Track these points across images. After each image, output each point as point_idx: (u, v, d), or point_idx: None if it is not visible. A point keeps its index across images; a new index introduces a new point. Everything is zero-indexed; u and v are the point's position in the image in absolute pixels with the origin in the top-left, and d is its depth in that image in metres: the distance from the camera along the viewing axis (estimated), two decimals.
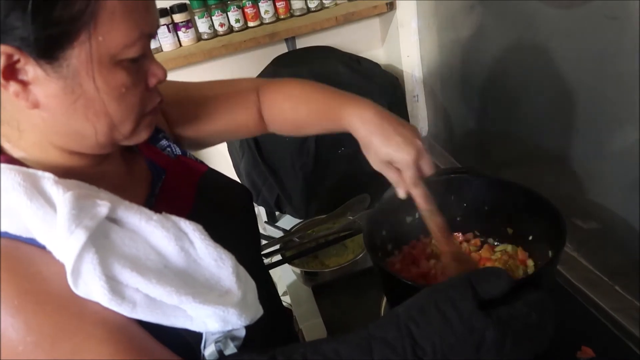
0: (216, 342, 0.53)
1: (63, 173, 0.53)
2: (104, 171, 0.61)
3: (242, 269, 0.56)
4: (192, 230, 0.54)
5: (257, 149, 1.32)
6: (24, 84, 0.49)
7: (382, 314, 0.99)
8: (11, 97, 0.50)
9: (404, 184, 0.73)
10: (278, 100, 0.85)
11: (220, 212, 0.71)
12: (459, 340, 0.48)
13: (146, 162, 0.70)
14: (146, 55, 0.56)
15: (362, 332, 0.51)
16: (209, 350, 0.53)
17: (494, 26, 1.17)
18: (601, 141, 0.92)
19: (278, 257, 1.26)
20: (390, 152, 0.70)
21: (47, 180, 0.49)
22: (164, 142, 0.73)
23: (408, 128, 0.72)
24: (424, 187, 0.73)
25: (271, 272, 1.22)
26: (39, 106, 0.51)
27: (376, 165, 0.74)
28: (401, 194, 0.74)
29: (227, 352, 0.54)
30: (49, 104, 0.51)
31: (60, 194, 0.48)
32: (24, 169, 0.50)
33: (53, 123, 0.53)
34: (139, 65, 0.55)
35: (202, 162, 0.77)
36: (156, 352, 0.51)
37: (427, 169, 0.72)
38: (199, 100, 0.82)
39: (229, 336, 0.54)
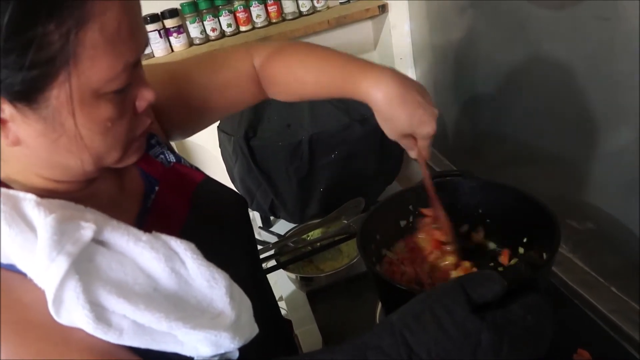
0: None
1: (49, 195, 0.51)
2: (93, 191, 0.59)
3: (236, 288, 0.54)
4: (183, 250, 0.52)
5: (251, 154, 1.31)
6: (3, 122, 0.46)
7: (377, 318, 0.98)
8: None
9: (417, 149, 0.76)
10: (281, 66, 0.78)
11: (215, 224, 0.69)
12: (455, 345, 0.48)
13: (139, 173, 0.67)
14: (133, 81, 0.52)
15: (357, 342, 0.50)
16: None
17: (486, 28, 1.17)
18: (595, 142, 0.92)
19: (273, 263, 1.25)
20: (414, 127, 0.70)
21: (29, 202, 0.47)
22: (157, 149, 0.70)
23: (427, 98, 0.71)
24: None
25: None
26: (20, 143, 0.48)
27: (393, 136, 0.74)
28: (413, 155, 0.77)
29: None
30: (30, 143, 0.48)
31: (41, 217, 0.46)
32: (5, 190, 0.48)
33: (36, 158, 0.51)
34: (125, 93, 0.52)
35: (197, 169, 0.74)
36: None
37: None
38: (190, 94, 0.78)
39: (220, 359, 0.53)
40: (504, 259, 0.91)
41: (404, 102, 0.68)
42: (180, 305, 0.50)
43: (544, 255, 0.81)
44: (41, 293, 0.45)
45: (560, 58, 0.94)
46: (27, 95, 0.45)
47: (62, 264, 0.44)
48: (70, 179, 0.55)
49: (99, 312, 0.46)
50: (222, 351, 0.51)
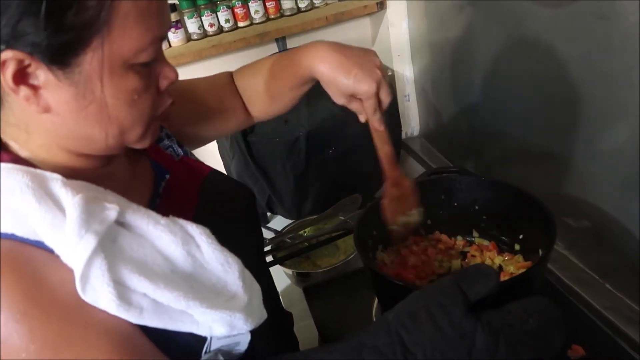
0: (207, 358, 0.53)
1: (70, 174, 0.52)
2: (109, 171, 0.61)
3: (247, 273, 0.55)
4: (199, 234, 0.53)
5: (248, 150, 1.31)
6: (35, 89, 0.49)
7: (374, 314, 0.99)
8: (21, 101, 0.49)
9: (365, 112, 0.77)
10: (247, 77, 0.88)
11: (223, 214, 0.70)
12: (450, 346, 0.48)
13: (150, 162, 0.69)
14: (157, 58, 0.55)
15: (353, 341, 0.50)
16: None
17: (484, 26, 1.17)
18: (592, 140, 0.92)
19: (270, 259, 1.25)
20: (351, 85, 0.72)
21: (56, 182, 0.48)
22: (166, 142, 0.73)
23: (366, 58, 0.74)
24: (380, 115, 0.78)
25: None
26: (50, 111, 0.50)
27: (338, 99, 0.77)
28: (362, 119, 0.79)
29: None
30: (60, 109, 0.50)
31: (69, 197, 0.47)
32: (32, 169, 0.49)
33: (63, 127, 0.52)
34: (151, 68, 0.54)
35: (205, 165, 0.77)
36: None
37: (385, 98, 0.76)
38: (186, 88, 0.83)
39: (219, 351, 0.54)
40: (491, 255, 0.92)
41: (340, 65, 0.72)
42: (197, 287, 0.51)
43: (540, 252, 0.81)
44: (67, 272, 0.46)
45: (558, 56, 0.94)
46: (63, 57, 0.47)
47: (90, 241, 0.45)
48: (93, 152, 0.56)
49: (122, 291, 0.47)
50: (236, 332, 0.52)
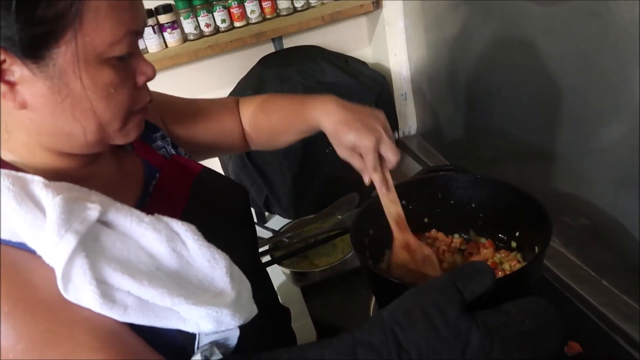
0: (202, 351, 0.52)
1: (53, 175, 0.53)
2: (95, 171, 0.61)
3: (236, 269, 0.56)
4: (184, 231, 0.53)
5: None
6: (11, 85, 0.49)
7: (371, 313, 0.99)
8: None
9: (366, 168, 0.76)
10: (251, 109, 0.90)
11: (215, 211, 0.71)
12: (445, 345, 0.47)
13: (141, 161, 0.70)
14: (134, 53, 0.56)
15: (348, 337, 0.50)
16: (195, 358, 0.52)
17: (480, 24, 1.17)
18: (587, 138, 0.92)
19: (267, 258, 1.25)
20: (351, 138, 0.74)
21: (37, 184, 0.49)
22: (159, 143, 0.73)
23: (370, 116, 0.76)
24: (383, 173, 0.77)
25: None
26: (27, 107, 0.51)
27: (342, 153, 0.78)
28: (366, 180, 0.78)
29: (214, 358, 0.52)
30: (36, 104, 0.51)
31: (49, 197, 0.47)
32: (13, 172, 0.50)
33: (41, 124, 0.52)
34: (127, 63, 0.55)
35: (197, 163, 0.77)
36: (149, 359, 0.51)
37: (391, 156, 0.75)
38: (189, 102, 0.87)
39: (215, 344, 0.53)
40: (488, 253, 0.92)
41: (344, 117, 0.75)
42: (182, 284, 0.51)
43: (536, 249, 0.82)
44: (49, 273, 0.47)
45: (553, 54, 0.95)
46: (36, 51, 0.48)
47: (70, 241, 0.46)
48: (73, 150, 0.56)
49: (105, 289, 0.47)
50: (223, 328, 0.52)
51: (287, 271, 1.22)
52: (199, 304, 0.50)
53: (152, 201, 0.65)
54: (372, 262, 0.92)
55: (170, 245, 0.52)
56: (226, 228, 0.68)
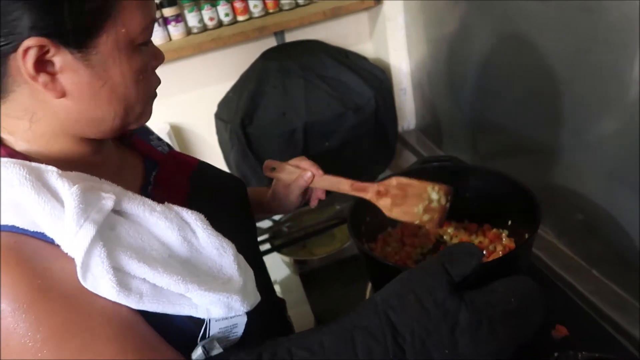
0: (203, 345, 0.54)
1: (66, 163, 0.54)
2: (101, 160, 0.63)
3: (241, 258, 0.58)
4: (194, 220, 0.55)
5: (247, 141, 1.34)
6: (52, 75, 0.51)
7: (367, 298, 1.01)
8: (35, 89, 0.51)
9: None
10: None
11: (214, 201, 0.72)
12: (435, 325, 0.50)
13: (139, 155, 0.72)
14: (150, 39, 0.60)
15: (345, 322, 0.52)
16: (196, 353, 0.54)
17: (478, 21, 1.20)
18: (580, 132, 0.94)
19: (267, 246, 1.28)
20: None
21: (52, 173, 0.50)
22: (155, 142, 0.76)
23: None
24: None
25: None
26: (66, 95, 0.52)
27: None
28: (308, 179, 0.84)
29: (214, 352, 0.55)
30: (76, 92, 0.53)
31: (66, 187, 0.49)
32: (27, 162, 0.51)
33: (75, 110, 0.54)
34: (147, 49, 0.58)
35: (193, 157, 0.79)
36: (162, 350, 0.52)
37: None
38: None
39: (216, 338, 0.56)
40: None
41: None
42: (194, 271, 0.53)
43: (527, 236, 0.84)
44: (67, 262, 0.48)
45: (547, 49, 0.97)
46: (83, 41, 0.51)
47: (89, 230, 0.47)
48: (97, 135, 0.58)
49: (121, 277, 0.48)
50: (233, 314, 0.54)
51: (287, 259, 1.25)
52: (210, 290, 0.51)
53: (155, 191, 0.67)
54: (368, 248, 0.94)
55: (181, 233, 0.53)
56: (226, 218, 0.69)
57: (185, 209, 0.56)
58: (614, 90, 0.83)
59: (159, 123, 1.63)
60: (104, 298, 0.49)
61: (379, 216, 0.88)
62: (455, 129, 1.50)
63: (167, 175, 0.70)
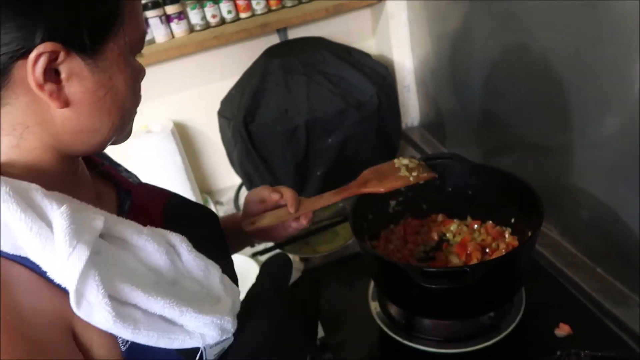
0: None
1: (47, 182, 0.50)
2: (77, 183, 0.60)
3: (226, 278, 0.58)
4: (179, 242, 0.54)
5: (249, 138, 1.34)
6: (58, 83, 0.49)
7: (369, 296, 1.02)
8: (38, 99, 0.48)
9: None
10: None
11: (189, 231, 0.66)
12: (276, 325, 0.62)
13: (112, 183, 0.69)
14: None
15: None
16: None
17: (481, 17, 1.19)
18: (583, 129, 0.94)
19: (271, 244, 1.28)
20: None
21: (36, 192, 0.46)
22: (125, 173, 0.74)
23: None
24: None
25: (262, 257, 1.26)
26: (69, 104, 0.50)
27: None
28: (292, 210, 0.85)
29: None
30: (79, 101, 0.50)
31: (54, 207, 0.45)
32: (10, 179, 0.46)
33: (74, 121, 0.51)
34: (136, 61, 0.58)
35: (164, 189, 0.78)
36: None
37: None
38: None
39: None
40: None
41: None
42: (182, 295, 0.51)
43: (529, 234, 0.84)
44: (45, 299, 0.45)
45: (549, 46, 0.96)
46: (94, 46, 0.50)
47: (82, 252, 0.43)
48: (87, 147, 0.55)
49: (115, 304, 0.45)
50: (225, 336, 0.54)
51: (291, 257, 1.25)
52: (203, 313, 0.51)
53: (131, 218, 0.62)
54: (371, 245, 0.94)
55: (169, 257, 0.52)
56: (203, 246, 0.64)
57: (169, 231, 0.54)
58: (617, 87, 0.83)
59: (162, 120, 1.63)
60: (70, 351, 0.46)
61: (381, 214, 0.89)
62: (459, 126, 1.49)
63: (141, 204, 0.68)
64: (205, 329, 0.51)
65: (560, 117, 0.99)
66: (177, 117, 1.68)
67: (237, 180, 1.65)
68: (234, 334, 0.56)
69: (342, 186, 0.86)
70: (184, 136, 1.70)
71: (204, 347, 0.52)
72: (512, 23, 1.06)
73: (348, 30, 1.73)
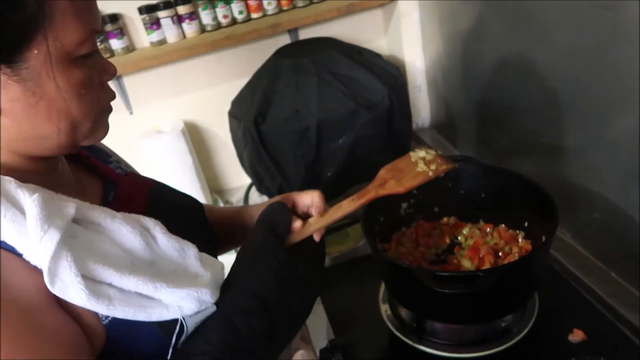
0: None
1: (21, 178, 0.53)
2: (57, 180, 0.62)
3: (205, 255, 0.60)
4: (153, 225, 0.57)
5: (260, 139, 1.34)
6: None
7: (380, 297, 1.01)
8: None
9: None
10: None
11: (172, 218, 0.69)
12: (282, 275, 0.61)
13: (97, 176, 0.71)
14: (96, 52, 0.58)
15: (223, 312, 0.58)
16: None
17: (493, 17, 1.18)
18: (597, 131, 0.93)
19: None
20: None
21: (9, 183, 0.50)
22: (114, 164, 0.75)
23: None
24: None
25: None
26: (1, 113, 0.51)
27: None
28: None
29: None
30: (11, 109, 0.51)
31: (26, 196, 0.49)
32: None
33: (16, 129, 0.53)
34: (92, 62, 0.56)
35: (151, 178, 0.79)
36: None
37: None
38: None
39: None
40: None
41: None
42: (159, 274, 0.54)
43: (544, 238, 0.83)
44: (29, 276, 0.49)
45: (564, 46, 0.95)
46: (9, 55, 0.49)
47: (53, 235, 0.47)
48: (45, 153, 0.57)
49: (89, 283, 0.49)
50: (204, 307, 0.56)
51: None
52: (179, 287, 0.53)
53: (113, 207, 0.64)
54: (382, 248, 0.94)
55: (143, 239, 0.54)
56: (185, 234, 0.66)
57: (143, 216, 0.57)
58: (631, 88, 0.81)
59: (172, 120, 1.64)
60: (58, 321, 0.49)
61: (393, 216, 0.88)
62: (471, 127, 1.48)
63: (125, 194, 0.70)
64: (182, 302, 0.54)
65: (574, 118, 0.98)
66: (187, 117, 1.68)
67: (247, 180, 1.65)
68: (240, 286, 0.60)
69: (354, 189, 0.85)
70: (194, 136, 1.70)
71: (183, 318, 0.55)
72: (525, 23, 1.05)
73: (359, 30, 1.72)
